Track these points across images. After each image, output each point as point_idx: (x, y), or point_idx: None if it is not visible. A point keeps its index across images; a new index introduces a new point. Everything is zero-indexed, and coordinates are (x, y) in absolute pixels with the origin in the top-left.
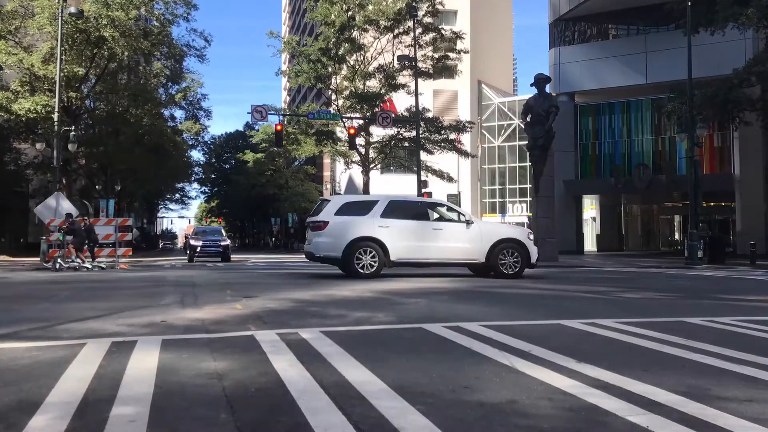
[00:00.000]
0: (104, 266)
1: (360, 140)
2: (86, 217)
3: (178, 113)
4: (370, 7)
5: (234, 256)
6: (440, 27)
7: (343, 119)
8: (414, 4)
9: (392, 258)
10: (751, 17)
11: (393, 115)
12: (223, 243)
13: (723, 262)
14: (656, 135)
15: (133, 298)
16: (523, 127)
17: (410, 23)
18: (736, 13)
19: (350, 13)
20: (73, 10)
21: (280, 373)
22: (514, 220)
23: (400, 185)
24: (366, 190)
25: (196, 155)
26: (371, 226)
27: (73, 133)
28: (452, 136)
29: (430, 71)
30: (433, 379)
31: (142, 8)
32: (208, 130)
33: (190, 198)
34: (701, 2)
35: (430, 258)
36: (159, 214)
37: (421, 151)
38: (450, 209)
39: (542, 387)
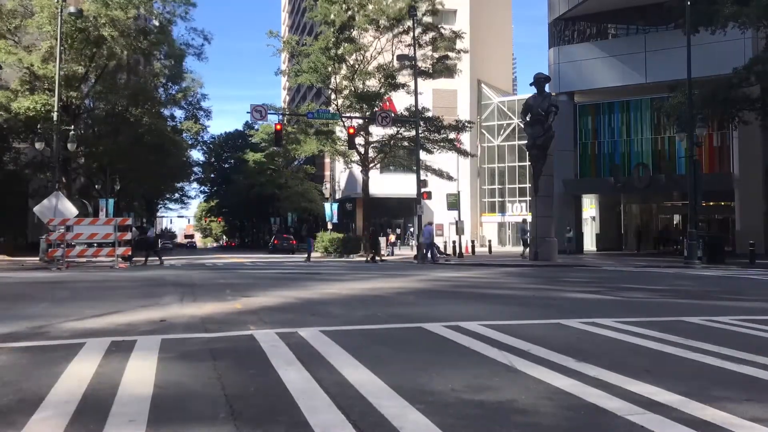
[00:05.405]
0: None
1: (360, 140)
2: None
3: (178, 113)
4: (370, 7)
5: (233, 256)
6: (440, 26)
7: (343, 119)
8: (414, 3)
9: None
10: (751, 17)
11: (392, 115)
12: None
13: (723, 262)
14: (656, 134)
15: (133, 297)
16: (522, 126)
17: (410, 23)
18: (737, 12)
19: (350, 12)
20: (72, 9)
21: (279, 373)
22: (513, 219)
23: (399, 185)
24: (365, 190)
25: (196, 155)
26: None
27: (72, 132)
28: (452, 135)
29: (430, 71)
30: (433, 379)
31: (141, 8)
32: (208, 130)
33: (189, 197)
34: (701, 1)
35: None
36: (158, 214)
37: (421, 151)
38: None
39: (542, 386)
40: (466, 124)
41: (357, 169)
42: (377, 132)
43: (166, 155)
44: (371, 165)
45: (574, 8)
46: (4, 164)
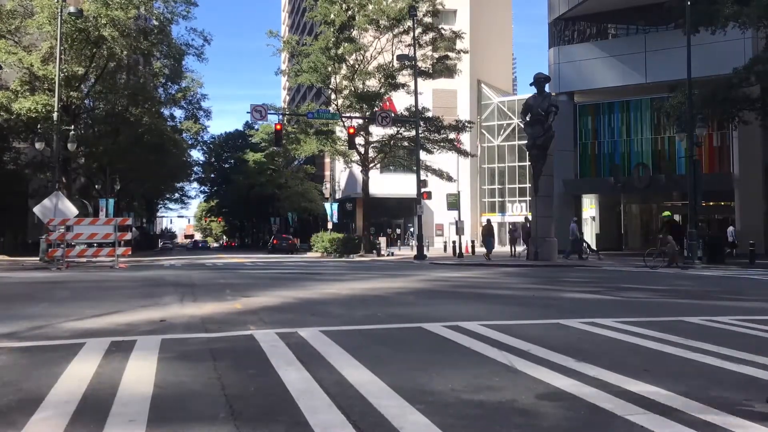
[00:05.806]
0: None
1: (360, 140)
2: None
3: (178, 113)
4: (370, 7)
5: (233, 256)
6: (440, 27)
7: (343, 119)
8: (414, 3)
9: None
10: (752, 17)
11: (392, 115)
12: None
13: (723, 262)
14: (656, 134)
15: (133, 297)
16: (522, 126)
17: (410, 23)
18: (737, 12)
19: (350, 12)
20: (72, 9)
21: (279, 373)
22: (513, 219)
23: (399, 185)
24: (365, 190)
25: (196, 155)
26: None
27: (72, 132)
28: (452, 135)
29: (430, 71)
30: (433, 379)
31: (142, 7)
32: (208, 130)
33: (189, 197)
34: (701, 1)
35: None
36: (158, 214)
37: (421, 151)
38: None
39: (542, 386)
40: (466, 124)
41: (357, 169)
42: (377, 132)
43: (166, 155)
44: (371, 165)
45: (574, 8)
46: (4, 164)
